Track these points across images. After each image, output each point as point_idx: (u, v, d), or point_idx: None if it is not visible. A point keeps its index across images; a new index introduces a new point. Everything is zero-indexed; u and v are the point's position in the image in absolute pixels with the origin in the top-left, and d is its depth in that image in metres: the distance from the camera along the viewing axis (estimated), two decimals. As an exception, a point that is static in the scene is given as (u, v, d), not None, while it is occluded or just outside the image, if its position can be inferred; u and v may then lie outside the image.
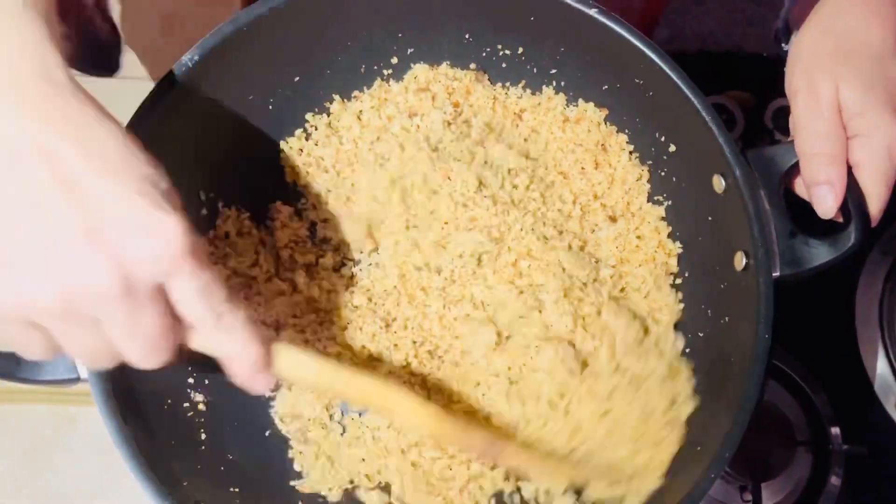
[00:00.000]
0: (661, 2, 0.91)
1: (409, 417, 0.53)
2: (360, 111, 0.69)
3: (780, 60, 0.80)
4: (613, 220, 0.67)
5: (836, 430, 0.74)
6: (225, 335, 0.43)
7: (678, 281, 0.66)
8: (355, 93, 0.69)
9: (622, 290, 0.65)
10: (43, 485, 0.74)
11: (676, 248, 0.66)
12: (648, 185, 0.68)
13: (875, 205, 0.55)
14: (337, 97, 0.69)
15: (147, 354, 0.40)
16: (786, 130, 0.81)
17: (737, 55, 0.85)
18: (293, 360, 0.48)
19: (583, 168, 0.67)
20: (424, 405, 0.53)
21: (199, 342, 0.43)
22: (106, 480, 0.74)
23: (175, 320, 0.41)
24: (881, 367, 0.75)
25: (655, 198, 0.68)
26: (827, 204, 0.54)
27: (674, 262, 0.66)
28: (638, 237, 0.66)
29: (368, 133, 0.68)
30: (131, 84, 0.87)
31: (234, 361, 0.45)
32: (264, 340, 0.45)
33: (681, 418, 0.59)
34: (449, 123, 0.67)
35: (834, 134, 0.54)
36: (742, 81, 0.83)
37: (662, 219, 0.67)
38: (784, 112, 0.82)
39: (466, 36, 0.67)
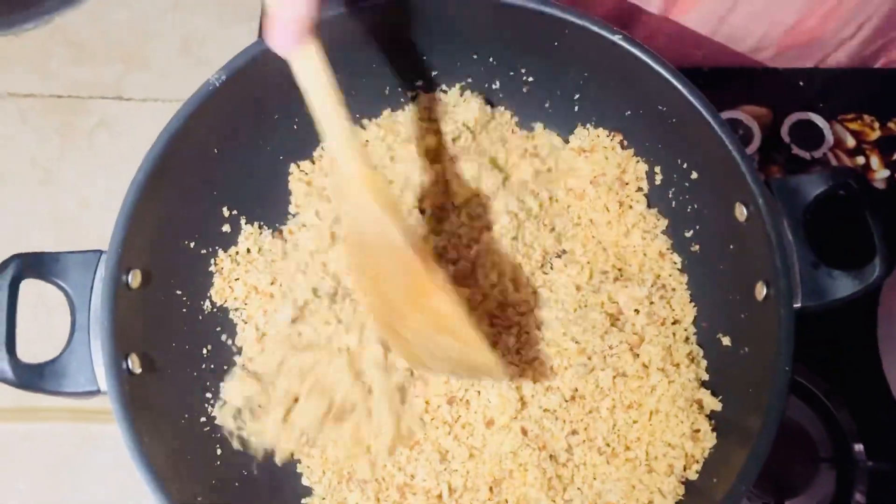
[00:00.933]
0: None
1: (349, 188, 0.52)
2: (367, 140, 0.69)
3: (795, 74, 0.81)
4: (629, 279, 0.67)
5: (859, 447, 0.73)
6: None
7: (698, 308, 0.66)
8: (365, 121, 0.70)
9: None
10: (66, 503, 0.75)
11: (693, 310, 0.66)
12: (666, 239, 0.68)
13: None
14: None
15: None
16: (802, 144, 0.80)
17: (752, 70, 0.84)
18: (317, 60, 0.51)
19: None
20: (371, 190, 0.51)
21: None
22: (127, 497, 0.75)
23: None
24: (904, 381, 0.73)
25: (678, 229, 0.67)
26: None
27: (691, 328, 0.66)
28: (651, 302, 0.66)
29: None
30: (150, 105, 0.89)
31: (281, 7, 0.48)
32: (312, 21, 0.49)
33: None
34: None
35: None
36: (757, 96, 0.82)
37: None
38: (800, 126, 0.81)
39: (491, 59, 0.68)
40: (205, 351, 0.63)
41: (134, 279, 0.57)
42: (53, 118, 0.89)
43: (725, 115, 0.80)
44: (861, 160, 0.82)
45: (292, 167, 0.69)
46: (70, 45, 0.92)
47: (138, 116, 0.90)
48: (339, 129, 0.52)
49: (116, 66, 0.92)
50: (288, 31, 0.49)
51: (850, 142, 0.82)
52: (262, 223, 0.68)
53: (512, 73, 0.68)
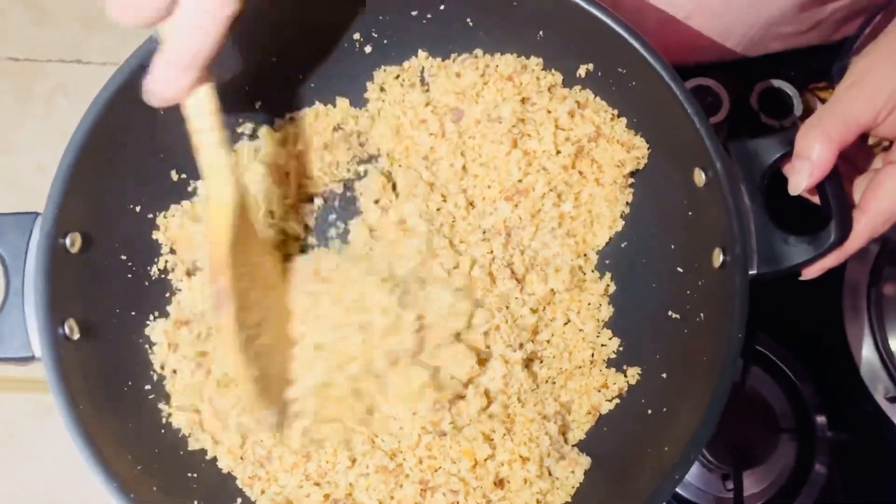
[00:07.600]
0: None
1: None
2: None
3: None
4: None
5: (821, 418, 0.72)
6: (189, 21, 0.44)
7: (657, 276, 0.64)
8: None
9: None
10: (25, 472, 0.75)
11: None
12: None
13: (862, 231, 0.54)
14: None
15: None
16: (771, 112, 0.78)
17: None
18: (207, 105, 0.49)
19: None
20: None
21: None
22: (82, 468, 0.74)
23: None
24: (867, 353, 0.72)
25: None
26: (797, 181, 0.53)
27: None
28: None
29: None
30: (110, 70, 0.87)
31: (168, 45, 0.46)
32: (204, 71, 0.47)
33: None
34: None
35: (853, 126, 0.52)
36: (727, 64, 0.80)
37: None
38: (769, 94, 0.79)
39: (468, 21, 0.65)
40: (151, 318, 0.62)
41: (73, 243, 0.55)
42: (10, 82, 0.87)
43: (694, 81, 0.78)
44: (830, 128, 0.80)
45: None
46: (29, 7, 0.90)
47: (97, 81, 0.88)
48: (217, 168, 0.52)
49: (76, 29, 0.90)
50: (183, 69, 0.46)
51: (820, 110, 0.80)
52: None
53: (469, 33, 0.66)
